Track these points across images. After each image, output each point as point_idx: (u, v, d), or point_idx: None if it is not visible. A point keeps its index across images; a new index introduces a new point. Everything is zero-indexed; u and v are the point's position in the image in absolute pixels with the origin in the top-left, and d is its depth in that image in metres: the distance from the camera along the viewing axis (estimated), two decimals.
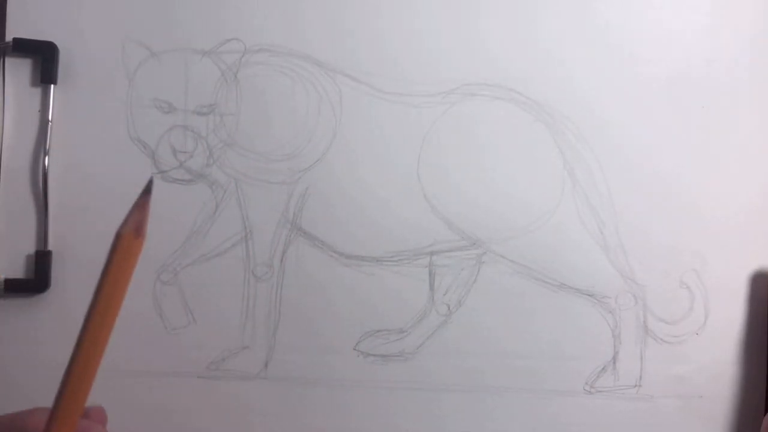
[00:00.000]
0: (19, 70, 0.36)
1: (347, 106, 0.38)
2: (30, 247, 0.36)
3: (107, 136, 0.37)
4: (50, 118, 0.36)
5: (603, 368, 0.38)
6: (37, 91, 0.37)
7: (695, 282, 0.39)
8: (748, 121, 0.39)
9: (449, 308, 0.38)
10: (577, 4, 0.39)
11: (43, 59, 0.36)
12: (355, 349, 0.38)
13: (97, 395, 0.37)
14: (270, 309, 0.37)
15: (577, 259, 0.38)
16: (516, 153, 0.38)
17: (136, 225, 0.24)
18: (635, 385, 0.38)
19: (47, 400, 0.37)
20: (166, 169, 0.37)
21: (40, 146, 0.36)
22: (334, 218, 0.38)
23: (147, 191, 0.24)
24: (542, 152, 0.38)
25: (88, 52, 0.37)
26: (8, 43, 0.36)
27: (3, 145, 0.36)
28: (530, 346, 0.38)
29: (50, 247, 0.36)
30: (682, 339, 0.38)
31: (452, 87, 0.38)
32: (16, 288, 0.36)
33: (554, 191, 0.38)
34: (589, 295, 0.38)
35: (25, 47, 0.36)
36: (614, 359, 0.38)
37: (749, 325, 0.38)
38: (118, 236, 0.23)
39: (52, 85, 0.36)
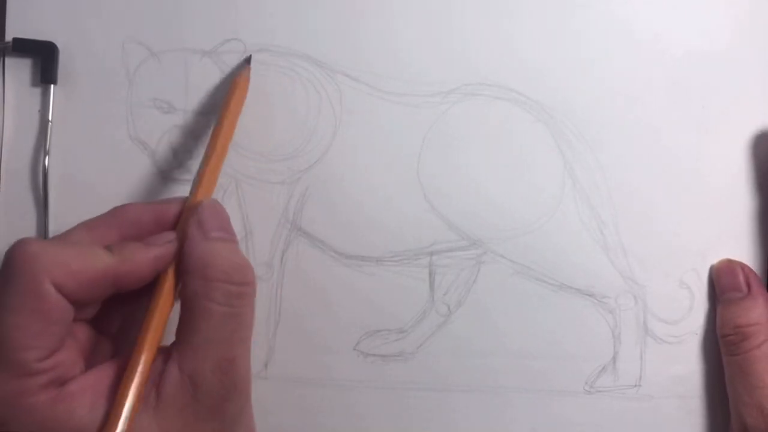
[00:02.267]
0: (19, 70, 0.37)
1: (347, 106, 0.38)
2: None
3: (107, 136, 0.37)
4: (50, 118, 0.36)
5: (603, 368, 0.38)
6: (37, 91, 0.37)
7: (696, 282, 0.39)
8: (748, 121, 0.39)
9: (449, 308, 0.38)
10: (577, 4, 0.39)
11: (43, 59, 0.36)
12: (355, 349, 0.38)
13: None
14: (270, 309, 0.37)
15: (577, 259, 0.38)
16: (516, 153, 0.38)
17: (246, 74, 0.36)
18: (635, 385, 0.38)
19: None
20: (166, 169, 0.37)
21: (41, 146, 0.36)
22: (334, 218, 0.38)
23: (247, 60, 0.37)
24: (542, 152, 0.38)
25: (88, 52, 0.37)
26: (8, 43, 0.36)
27: (3, 145, 0.36)
28: (530, 345, 0.38)
29: None
30: (682, 339, 0.38)
31: (452, 87, 0.38)
32: None
33: (554, 191, 0.38)
34: (589, 295, 0.38)
35: (24, 47, 0.36)
36: (614, 359, 0.38)
37: None
38: (240, 79, 0.36)
39: (52, 85, 0.36)
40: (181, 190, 0.37)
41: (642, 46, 0.39)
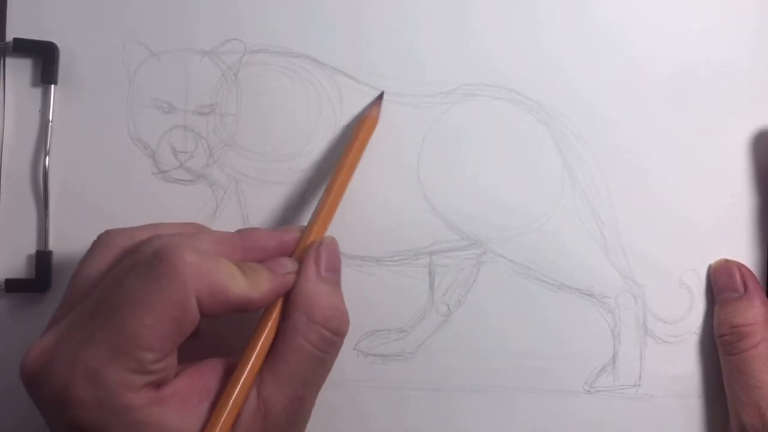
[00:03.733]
0: (20, 70, 0.37)
1: (347, 106, 0.38)
2: (30, 247, 0.36)
3: (107, 136, 0.37)
4: (51, 118, 0.36)
5: (602, 368, 0.38)
6: (38, 92, 0.37)
7: (695, 282, 0.39)
8: (748, 120, 0.39)
9: (449, 308, 0.38)
10: (577, 4, 0.39)
11: (44, 59, 0.36)
12: (354, 349, 0.38)
13: None
14: None
15: (577, 259, 0.38)
16: (516, 153, 0.38)
17: (376, 112, 0.37)
18: (635, 385, 0.38)
19: None
20: (166, 169, 0.37)
21: (41, 146, 0.36)
22: (334, 218, 0.38)
23: (380, 97, 0.37)
24: (542, 152, 0.39)
25: (88, 52, 0.37)
26: (8, 43, 0.36)
27: (3, 145, 0.36)
28: (529, 345, 0.38)
29: (50, 247, 0.36)
30: (681, 339, 0.39)
31: (452, 87, 0.38)
32: (16, 288, 0.36)
33: (554, 191, 0.39)
34: (588, 295, 0.38)
35: (25, 47, 0.36)
36: (614, 359, 0.38)
37: None
38: (368, 117, 0.37)
39: (52, 86, 0.36)
40: (182, 190, 0.37)
41: (642, 46, 0.39)
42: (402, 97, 0.38)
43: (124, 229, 0.31)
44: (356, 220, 0.38)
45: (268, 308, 0.31)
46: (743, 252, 0.39)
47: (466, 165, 0.38)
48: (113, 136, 0.37)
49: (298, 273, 0.31)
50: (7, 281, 0.36)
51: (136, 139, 0.37)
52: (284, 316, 0.31)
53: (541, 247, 0.38)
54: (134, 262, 0.28)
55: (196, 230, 0.32)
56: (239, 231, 0.32)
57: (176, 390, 0.28)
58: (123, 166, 0.37)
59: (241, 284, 0.29)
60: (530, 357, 0.38)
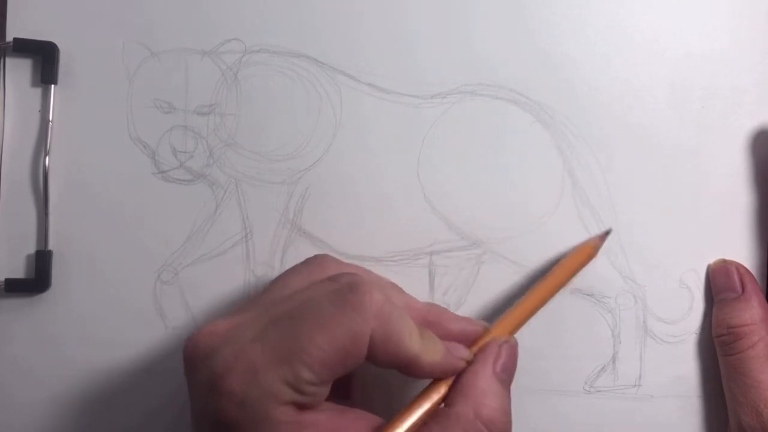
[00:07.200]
0: (20, 70, 0.37)
1: (347, 106, 0.38)
2: (30, 247, 0.36)
3: (107, 136, 0.37)
4: (51, 118, 0.36)
5: (602, 368, 0.38)
6: (38, 92, 0.37)
7: (695, 282, 0.39)
8: (748, 121, 0.39)
9: (449, 308, 0.38)
10: (577, 3, 0.39)
11: (44, 59, 0.36)
12: None
13: (95, 394, 0.38)
14: None
15: None
16: (516, 153, 0.38)
17: (597, 246, 0.37)
18: (635, 385, 0.38)
19: (49, 400, 0.37)
20: (166, 169, 0.37)
21: (41, 146, 0.36)
22: (334, 218, 0.38)
23: (607, 233, 0.38)
24: (542, 152, 0.39)
25: (88, 52, 0.37)
26: (8, 43, 0.36)
27: (3, 145, 0.36)
28: (529, 345, 0.38)
29: (50, 247, 0.36)
30: (681, 339, 0.39)
31: (452, 87, 0.38)
32: (16, 288, 0.36)
33: (554, 191, 0.39)
34: (588, 295, 0.38)
35: (25, 47, 0.36)
36: (614, 359, 0.38)
37: None
38: (587, 246, 0.37)
39: (52, 86, 0.36)
40: (181, 190, 0.37)
41: (642, 47, 0.39)
42: (402, 97, 0.38)
43: (338, 260, 0.33)
44: (356, 220, 0.38)
45: (432, 386, 0.31)
46: (743, 252, 0.39)
47: (466, 165, 0.38)
48: (113, 136, 0.37)
49: (473, 364, 0.31)
50: (7, 281, 0.36)
51: (136, 139, 0.37)
52: (448, 403, 0.30)
53: (541, 247, 0.38)
54: (330, 287, 0.29)
55: (391, 285, 0.33)
56: (428, 303, 0.33)
57: (315, 421, 0.27)
58: (123, 166, 0.37)
59: (415, 343, 0.29)
60: (530, 357, 0.38)
